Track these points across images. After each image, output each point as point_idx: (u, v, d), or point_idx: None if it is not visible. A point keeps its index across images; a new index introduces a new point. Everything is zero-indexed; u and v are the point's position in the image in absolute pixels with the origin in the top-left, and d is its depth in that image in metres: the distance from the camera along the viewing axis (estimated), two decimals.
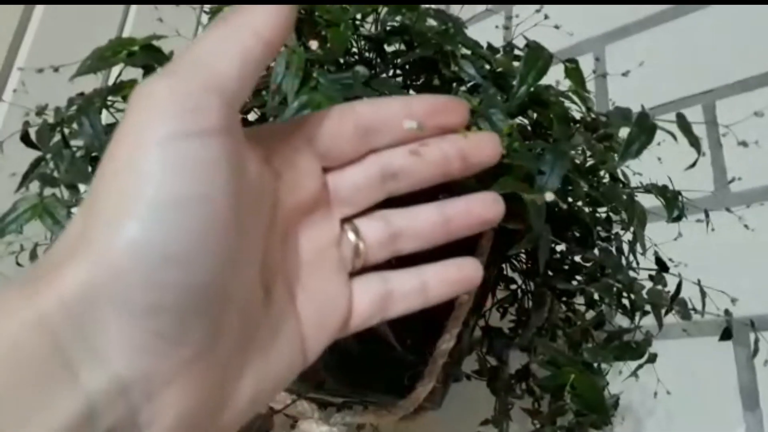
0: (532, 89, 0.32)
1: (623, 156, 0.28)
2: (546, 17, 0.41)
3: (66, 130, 0.35)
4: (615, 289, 0.38)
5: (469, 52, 0.36)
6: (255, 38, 0.21)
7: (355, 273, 0.27)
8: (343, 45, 0.32)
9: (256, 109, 0.37)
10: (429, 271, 0.28)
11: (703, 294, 0.41)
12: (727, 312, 0.43)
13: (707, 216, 0.44)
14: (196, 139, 0.19)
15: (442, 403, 0.45)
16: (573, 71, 0.32)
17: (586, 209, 0.39)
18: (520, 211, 0.30)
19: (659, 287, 0.40)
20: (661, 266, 0.43)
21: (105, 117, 0.34)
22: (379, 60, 0.38)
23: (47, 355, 0.17)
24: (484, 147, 0.28)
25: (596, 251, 0.40)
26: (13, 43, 0.58)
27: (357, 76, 0.31)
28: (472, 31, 0.37)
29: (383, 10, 0.35)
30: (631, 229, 0.38)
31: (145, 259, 0.18)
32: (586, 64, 0.47)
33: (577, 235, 0.41)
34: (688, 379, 0.52)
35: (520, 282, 0.47)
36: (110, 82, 0.34)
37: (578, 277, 0.42)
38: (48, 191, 0.36)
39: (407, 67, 0.38)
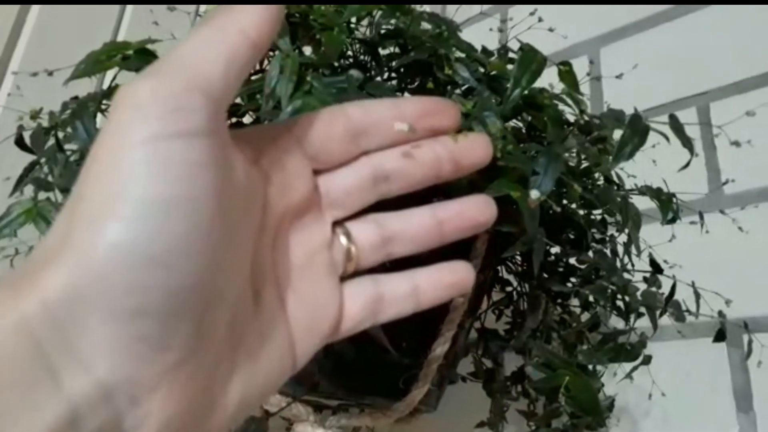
0: (525, 92, 0.32)
1: (616, 158, 0.28)
2: (540, 20, 0.41)
3: (60, 134, 0.35)
4: (609, 291, 0.39)
5: (463, 55, 0.36)
6: (241, 38, 0.21)
7: (346, 276, 0.26)
8: (337, 49, 0.32)
9: (251, 113, 0.37)
10: (421, 275, 0.27)
11: (697, 296, 0.41)
12: (720, 313, 0.43)
13: (702, 218, 0.44)
14: (180, 140, 0.19)
15: (437, 405, 0.45)
16: (566, 74, 0.32)
17: (581, 212, 0.39)
18: (515, 214, 0.30)
19: (653, 289, 0.40)
20: (656, 268, 0.43)
21: (100, 121, 0.34)
22: (374, 63, 0.38)
23: (29, 358, 0.17)
24: (475, 149, 0.27)
25: (591, 253, 0.40)
26: (7, 47, 0.58)
27: (351, 80, 0.31)
28: (468, 35, 0.37)
29: (377, 14, 0.35)
30: (626, 231, 0.38)
31: (128, 262, 0.18)
32: (582, 66, 0.48)
33: (572, 237, 0.41)
34: (682, 381, 0.52)
35: (515, 284, 0.47)
36: (105, 86, 0.34)
37: (573, 280, 0.42)
38: (42, 195, 0.36)
39: (402, 70, 0.38)
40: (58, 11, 0.63)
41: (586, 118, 0.33)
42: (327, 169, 0.26)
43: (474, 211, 0.28)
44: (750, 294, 0.51)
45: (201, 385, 0.20)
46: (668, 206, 0.38)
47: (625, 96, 0.50)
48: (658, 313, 0.40)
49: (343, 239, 0.26)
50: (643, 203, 0.38)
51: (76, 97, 0.34)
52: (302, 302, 0.24)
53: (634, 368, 0.41)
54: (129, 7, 0.68)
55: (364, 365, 0.37)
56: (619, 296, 0.40)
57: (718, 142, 0.58)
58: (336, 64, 0.36)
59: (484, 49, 0.38)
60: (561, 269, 0.42)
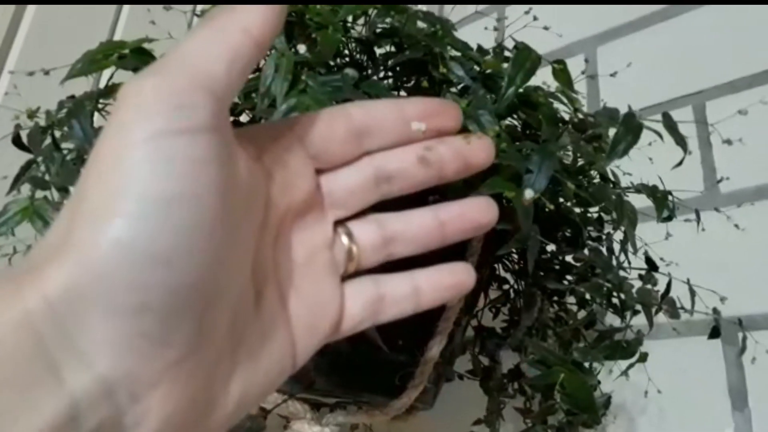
0: (520, 90, 0.32)
1: (610, 156, 0.28)
2: (535, 18, 0.41)
3: (57, 133, 0.35)
4: (605, 288, 0.39)
5: (459, 54, 0.36)
6: (244, 36, 0.21)
7: (347, 276, 0.26)
8: (332, 48, 0.32)
9: (247, 111, 0.37)
10: (421, 276, 0.27)
11: (693, 293, 0.42)
12: (715, 311, 0.43)
13: (698, 216, 0.44)
14: (183, 137, 0.19)
15: (434, 403, 0.45)
16: (560, 72, 0.32)
17: (577, 209, 0.39)
18: (510, 212, 0.31)
19: (649, 286, 0.41)
20: (651, 266, 0.43)
21: (97, 120, 0.35)
22: (370, 62, 0.38)
23: (30, 355, 0.17)
24: (479, 151, 0.28)
25: (586, 251, 0.40)
26: (4, 46, 0.58)
27: (346, 79, 0.31)
28: (465, 33, 0.37)
29: (373, 13, 0.35)
30: (622, 228, 0.38)
31: (130, 258, 0.18)
32: (579, 65, 0.48)
33: (568, 235, 0.41)
34: (678, 379, 0.52)
35: (512, 282, 0.47)
36: (102, 85, 0.34)
37: (569, 277, 0.42)
38: (39, 194, 0.36)
39: (398, 69, 0.38)
40: (55, 11, 0.63)
41: (581, 116, 0.34)
42: (329, 169, 0.26)
43: (476, 213, 0.28)
44: (746, 291, 0.51)
45: (201, 382, 0.20)
46: (663, 204, 0.38)
47: (622, 95, 0.50)
48: (653, 310, 0.41)
49: (344, 239, 0.26)
50: (639, 201, 0.39)
51: (72, 96, 0.34)
52: (303, 301, 0.24)
53: (631, 366, 0.41)
54: (126, 7, 0.68)
55: (359, 363, 0.37)
56: (614, 294, 0.40)
57: (714, 141, 0.58)
58: (332, 63, 0.36)
59: (480, 48, 0.38)
60: (557, 267, 0.42)
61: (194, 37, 0.21)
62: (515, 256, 0.46)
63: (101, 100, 0.34)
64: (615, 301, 0.41)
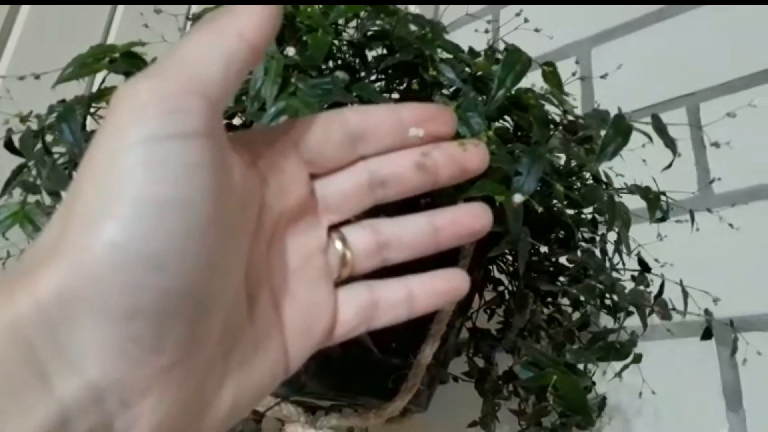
0: (511, 92, 0.32)
1: (599, 157, 0.28)
2: (526, 20, 0.41)
3: (49, 138, 0.35)
4: (597, 290, 0.39)
5: (451, 56, 0.36)
6: (239, 41, 0.21)
7: (341, 282, 0.26)
8: (323, 50, 0.32)
9: (240, 114, 0.37)
10: (415, 282, 0.27)
11: (685, 294, 0.42)
12: (707, 312, 0.43)
13: (692, 217, 0.44)
14: (177, 142, 0.19)
15: (428, 405, 0.45)
16: (550, 74, 0.32)
17: (571, 211, 0.39)
18: (500, 214, 0.31)
19: (641, 288, 0.41)
20: (644, 267, 0.43)
21: (90, 124, 0.35)
22: (362, 65, 0.38)
23: (20, 360, 0.17)
24: (474, 157, 0.28)
25: (579, 252, 0.40)
26: None
27: (336, 82, 0.31)
28: (460, 36, 0.37)
29: (364, 15, 0.35)
30: (615, 229, 0.38)
31: (122, 262, 0.18)
32: (575, 67, 0.48)
33: (561, 236, 0.41)
34: (673, 380, 0.52)
35: (507, 283, 0.47)
36: (95, 89, 0.34)
37: (562, 279, 0.42)
38: (32, 198, 0.36)
39: (389, 71, 0.38)
40: (48, 15, 0.63)
41: (571, 118, 0.34)
42: (324, 174, 0.26)
43: (470, 219, 0.28)
44: (741, 292, 0.51)
45: (193, 388, 0.20)
46: (656, 205, 0.38)
47: (616, 96, 0.50)
48: (647, 311, 0.41)
49: (338, 244, 0.26)
50: (634, 202, 0.39)
51: (63, 101, 0.34)
52: (296, 307, 0.24)
53: (625, 367, 0.41)
54: (119, 10, 0.68)
55: (351, 366, 0.37)
56: (607, 295, 0.40)
57: (708, 142, 0.58)
58: (324, 66, 0.36)
59: (471, 50, 0.38)
60: (550, 268, 0.42)
61: (190, 41, 0.21)
62: (509, 257, 0.46)
63: (93, 104, 0.34)
64: (608, 302, 0.41)
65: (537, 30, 0.41)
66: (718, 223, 0.48)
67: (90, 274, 0.18)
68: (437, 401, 0.46)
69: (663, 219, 0.41)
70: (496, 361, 0.48)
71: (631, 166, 0.41)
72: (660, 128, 0.29)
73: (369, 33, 0.36)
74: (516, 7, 0.45)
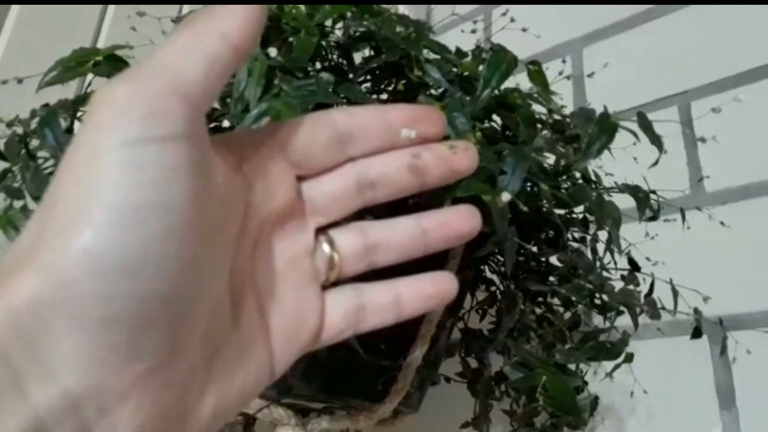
0: (496, 92, 0.32)
1: (584, 155, 0.28)
2: (512, 20, 0.41)
3: (35, 142, 0.35)
4: (586, 289, 0.39)
5: (438, 56, 0.36)
6: (222, 42, 0.20)
7: (328, 285, 0.26)
8: (308, 52, 0.32)
9: (227, 116, 0.37)
10: (403, 285, 0.27)
11: (675, 293, 0.42)
12: (696, 311, 0.43)
13: (683, 215, 0.44)
14: (156, 145, 0.18)
15: (419, 406, 0.45)
16: (536, 74, 0.32)
17: (561, 211, 0.39)
18: (487, 213, 0.30)
19: (631, 287, 0.41)
20: (633, 266, 0.43)
21: (78, 128, 0.34)
22: (349, 66, 0.38)
23: None
24: (464, 158, 0.27)
25: (568, 252, 0.40)
26: None
27: (321, 83, 0.31)
28: (451, 36, 0.37)
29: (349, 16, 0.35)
30: (606, 228, 0.38)
31: (98, 269, 0.17)
32: (566, 67, 0.48)
33: (550, 236, 0.41)
34: (666, 379, 0.52)
35: (498, 284, 0.47)
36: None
37: (552, 278, 0.42)
38: (18, 203, 0.36)
39: (376, 72, 0.38)
40: (37, 18, 0.63)
41: (557, 117, 0.33)
42: (311, 176, 0.25)
43: (458, 221, 0.28)
44: (732, 290, 0.51)
45: (173, 395, 0.20)
46: (646, 203, 0.38)
47: (607, 95, 0.50)
48: (637, 311, 0.40)
49: (326, 247, 0.26)
50: (625, 201, 0.39)
51: (46, 104, 0.34)
52: (282, 310, 0.24)
53: (617, 366, 0.41)
54: (109, 13, 0.68)
55: (339, 367, 0.37)
56: (596, 295, 0.40)
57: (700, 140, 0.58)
58: (311, 67, 0.36)
59: (459, 51, 0.38)
60: (540, 268, 0.42)
61: (171, 42, 0.20)
62: (500, 257, 0.46)
63: (80, 108, 0.34)
64: (598, 302, 0.41)
65: (524, 29, 0.41)
66: (708, 222, 0.48)
67: (63, 281, 0.17)
68: (429, 402, 0.46)
69: (654, 218, 0.40)
70: (488, 361, 0.47)
71: (623, 165, 0.41)
72: (646, 125, 0.29)
73: (355, 34, 0.36)
74: (510, 7, 0.45)
